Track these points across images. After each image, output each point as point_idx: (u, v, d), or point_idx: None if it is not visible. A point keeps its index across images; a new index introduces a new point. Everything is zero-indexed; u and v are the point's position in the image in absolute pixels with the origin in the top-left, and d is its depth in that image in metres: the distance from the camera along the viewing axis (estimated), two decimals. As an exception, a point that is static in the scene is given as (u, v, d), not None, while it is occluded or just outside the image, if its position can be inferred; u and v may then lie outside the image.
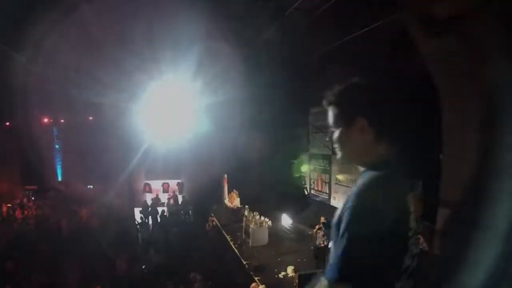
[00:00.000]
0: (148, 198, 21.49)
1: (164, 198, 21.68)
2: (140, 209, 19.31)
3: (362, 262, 1.44)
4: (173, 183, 23.24)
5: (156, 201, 20.68)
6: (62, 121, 22.43)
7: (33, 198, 21.45)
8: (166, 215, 19.06)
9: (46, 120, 22.26)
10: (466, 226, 4.44)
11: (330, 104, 1.82)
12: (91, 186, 23.37)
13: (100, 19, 11.46)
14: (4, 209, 18.91)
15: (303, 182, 17.98)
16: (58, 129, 22.93)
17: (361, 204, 1.49)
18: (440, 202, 5.11)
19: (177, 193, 22.46)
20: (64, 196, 21.25)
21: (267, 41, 11.71)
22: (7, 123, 22.07)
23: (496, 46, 3.88)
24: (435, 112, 5.43)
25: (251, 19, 10.42)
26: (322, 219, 11.26)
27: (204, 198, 21.36)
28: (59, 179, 23.77)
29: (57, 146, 23.53)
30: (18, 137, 22.85)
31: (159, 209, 19.37)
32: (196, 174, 22.77)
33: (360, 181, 1.66)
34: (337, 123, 1.78)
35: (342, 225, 1.51)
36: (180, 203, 21.27)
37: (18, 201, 20.99)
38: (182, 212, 20.04)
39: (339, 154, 1.81)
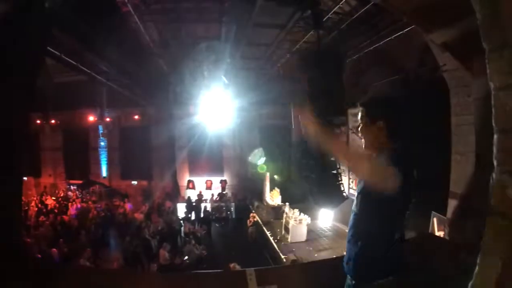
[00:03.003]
0: (192, 194, 22.39)
1: (207, 194, 22.53)
2: (185, 204, 20.26)
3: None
4: (216, 181, 24.14)
5: (200, 198, 21.58)
6: (108, 119, 23.60)
7: (77, 192, 22.63)
8: (208, 211, 19.95)
9: (92, 118, 23.52)
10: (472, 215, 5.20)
11: (362, 105, 2.76)
12: (135, 182, 24.47)
13: (148, 26, 12.53)
14: (49, 202, 20.31)
15: (340, 179, 18.44)
16: (104, 127, 24.08)
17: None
18: (449, 195, 5.87)
19: (221, 190, 23.46)
20: (108, 191, 22.51)
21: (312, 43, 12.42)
22: (53, 121, 23.67)
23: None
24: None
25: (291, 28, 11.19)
26: None
27: (246, 195, 22.39)
28: (104, 175, 24.94)
29: (102, 144, 24.60)
30: (64, 134, 24.87)
31: (202, 205, 20.28)
32: (238, 172, 23.91)
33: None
34: (363, 119, 2.69)
35: None
36: (223, 200, 22.16)
37: (62, 194, 22.42)
38: (224, 208, 20.99)
39: (362, 140, 2.75)
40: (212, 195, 22.54)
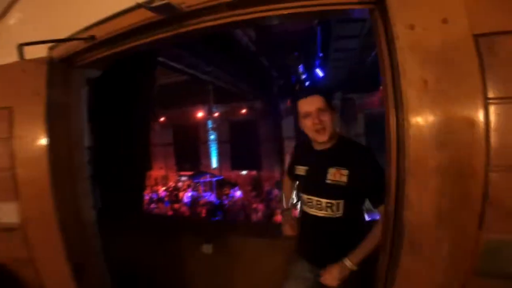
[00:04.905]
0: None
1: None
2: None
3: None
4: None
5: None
6: (216, 114, 24.88)
7: (188, 182, 24.23)
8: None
9: (200, 114, 25.33)
10: None
11: (320, 94, 2.70)
12: (244, 172, 25.74)
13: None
14: (160, 190, 22.68)
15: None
16: (213, 121, 25.35)
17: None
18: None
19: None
20: (218, 181, 23.58)
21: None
22: (162, 119, 26.17)
23: None
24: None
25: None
26: None
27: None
28: (214, 166, 26.32)
29: (212, 137, 26.03)
30: (174, 130, 27.49)
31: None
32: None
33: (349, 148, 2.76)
34: (325, 108, 2.66)
35: (375, 173, 2.47)
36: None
37: (173, 184, 24.76)
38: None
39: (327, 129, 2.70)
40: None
